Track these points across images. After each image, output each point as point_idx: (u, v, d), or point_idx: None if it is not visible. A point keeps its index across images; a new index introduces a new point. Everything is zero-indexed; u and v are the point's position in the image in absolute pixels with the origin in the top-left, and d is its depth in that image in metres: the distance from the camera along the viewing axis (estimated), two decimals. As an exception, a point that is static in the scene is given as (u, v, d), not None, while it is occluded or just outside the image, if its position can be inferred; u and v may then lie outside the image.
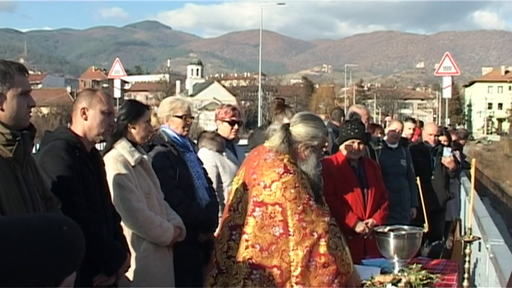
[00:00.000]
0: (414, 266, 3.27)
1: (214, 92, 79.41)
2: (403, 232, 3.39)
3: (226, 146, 4.46)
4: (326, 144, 3.83)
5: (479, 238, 3.94)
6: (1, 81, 2.23)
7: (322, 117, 4.40)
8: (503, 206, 23.52)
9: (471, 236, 3.18)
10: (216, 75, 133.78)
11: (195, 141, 4.47)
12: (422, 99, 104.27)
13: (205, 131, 4.71)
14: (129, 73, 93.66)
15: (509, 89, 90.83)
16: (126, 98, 35.71)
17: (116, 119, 3.28)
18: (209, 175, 4.13)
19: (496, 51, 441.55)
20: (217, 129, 4.59)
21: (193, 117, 4.14)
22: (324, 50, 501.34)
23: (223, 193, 4.25)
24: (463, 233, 5.97)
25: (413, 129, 7.35)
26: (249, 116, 67.73)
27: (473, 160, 3.45)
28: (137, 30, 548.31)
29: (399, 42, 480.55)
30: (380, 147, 6.01)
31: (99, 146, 3.32)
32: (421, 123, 10.33)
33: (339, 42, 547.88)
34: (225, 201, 3.64)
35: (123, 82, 24.39)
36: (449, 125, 29.57)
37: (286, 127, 3.04)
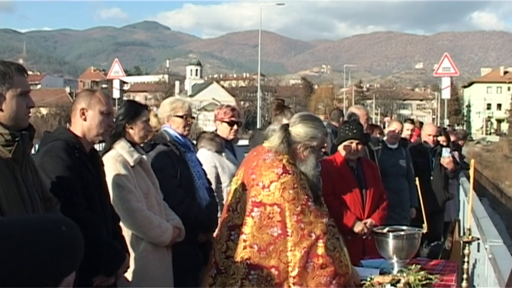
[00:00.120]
0: (413, 266, 3.27)
1: (213, 93, 79.40)
2: (402, 233, 3.40)
3: (225, 146, 4.46)
4: (325, 144, 3.83)
5: (478, 239, 3.95)
6: (0, 82, 2.23)
7: (321, 117, 4.40)
8: (502, 206, 23.56)
9: (470, 237, 3.18)
10: (215, 75, 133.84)
11: (194, 142, 4.48)
12: (421, 100, 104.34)
13: (204, 132, 4.71)
14: (128, 73, 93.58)
15: (508, 89, 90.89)
16: (125, 98, 35.68)
17: (114, 120, 3.28)
18: (208, 176, 4.13)
19: (495, 52, 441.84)
20: (216, 130, 4.59)
21: (193, 117, 4.15)
22: (323, 51, 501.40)
23: (222, 194, 4.26)
24: (462, 234, 5.97)
25: (412, 130, 7.35)
26: (248, 116, 67.71)
27: (472, 161, 3.45)
28: (136, 30, 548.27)
29: (398, 43, 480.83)
30: (379, 147, 6.01)
31: (98, 147, 3.32)
32: (421, 124, 10.33)
33: (338, 42, 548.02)
34: (224, 202, 3.64)
35: (122, 82, 24.35)
36: (449, 125, 29.61)
37: (285, 127, 3.03)
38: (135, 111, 3.50)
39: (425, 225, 3.59)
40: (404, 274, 3.14)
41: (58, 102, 70.04)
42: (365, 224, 4.29)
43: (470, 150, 42.73)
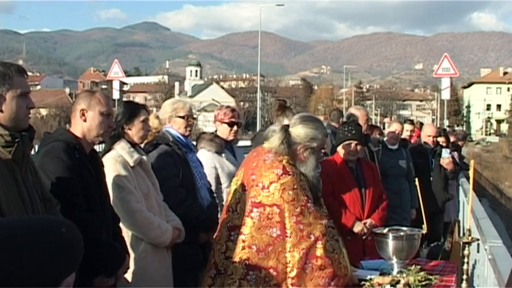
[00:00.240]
0: (413, 267, 3.26)
1: (213, 94, 79.40)
2: (402, 233, 3.39)
3: (225, 147, 4.47)
4: (325, 145, 3.83)
5: (478, 239, 3.94)
6: (0, 83, 2.23)
7: (321, 118, 4.39)
8: (502, 207, 23.56)
9: (470, 237, 3.18)
10: (215, 76, 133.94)
11: (194, 143, 4.48)
12: (421, 101, 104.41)
13: (204, 133, 4.72)
14: (127, 74, 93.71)
15: (508, 90, 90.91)
16: (124, 99, 35.71)
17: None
18: (208, 176, 4.14)
19: (495, 53, 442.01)
20: (216, 131, 4.59)
21: (195, 118, 4.16)
22: (323, 52, 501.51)
23: (222, 194, 4.26)
24: (461, 234, 5.97)
25: (412, 131, 7.35)
26: (247, 117, 67.74)
27: (472, 161, 3.45)
28: (136, 31, 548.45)
29: (398, 44, 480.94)
30: (379, 148, 6.02)
31: (98, 148, 3.32)
32: (421, 125, 10.34)
33: (337, 43, 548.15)
34: (223, 203, 3.64)
35: (122, 83, 24.37)
36: (448, 126, 29.62)
37: (285, 128, 3.04)
38: (132, 111, 3.50)
39: (425, 225, 3.59)
40: (404, 275, 3.14)
41: (58, 103, 70.09)
42: (365, 224, 4.29)
43: (470, 151, 42.74)
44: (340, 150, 4.45)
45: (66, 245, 1.40)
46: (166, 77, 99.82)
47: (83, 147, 2.90)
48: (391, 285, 3.05)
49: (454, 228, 5.93)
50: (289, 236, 2.78)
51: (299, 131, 3.02)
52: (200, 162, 4.10)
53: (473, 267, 4.46)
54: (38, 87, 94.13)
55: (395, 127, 6.35)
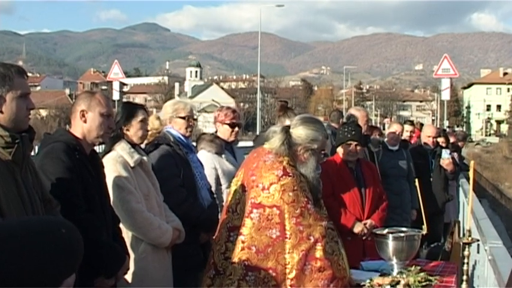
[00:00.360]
0: (413, 268, 3.26)
1: (213, 94, 79.36)
2: (402, 234, 3.39)
3: (225, 148, 4.47)
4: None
5: (478, 240, 3.94)
6: (0, 84, 2.24)
7: (321, 119, 4.39)
8: (502, 208, 23.54)
9: (470, 238, 3.18)
10: (215, 77, 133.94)
11: (194, 144, 4.48)
12: (421, 101, 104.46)
13: (204, 133, 4.72)
14: (127, 75, 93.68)
15: (508, 90, 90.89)
16: (124, 100, 35.72)
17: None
18: (208, 177, 4.14)
19: (495, 53, 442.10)
20: (216, 132, 4.59)
21: (196, 119, 4.16)
22: (323, 52, 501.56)
23: (222, 195, 4.26)
24: (461, 235, 5.96)
25: (412, 132, 7.35)
26: (247, 118, 67.73)
27: (472, 162, 3.45)
28: (136, 32, 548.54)
29: (398, 44, 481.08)
30: (379, 149, 6.01)
31: (98, 149, 3.32)
32: (421, 125, 10.34)
33: (337, 44, 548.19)
34: (223, 203, 3.64)
35: (122, 84, 24.38)
36: (448, 126, 29.59)
37: (286, 129, 3.04)
38: (130, 112, 3.50)
39: (425, 226, 3.59)
40: (404, 275, 3.14)
41: (58, 104, 70.05)
42: (365, 224, 4.29)
43: (470, 152, 42.73)
44: (340, 150, 4.45)
45: (66, 245, 1.40)
46: (166, 78, 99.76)
47: (83, 148, 2.90)
48: (391, 286, 3.05)
49: (454, 229, 5.92)
50: (289, 238, 2.78)
51: (300, 132, 3.02)
52: (201, 163, 4.10)
53: (474, 268, 4.46)
54: (38, 88, 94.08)
55: (395, 128, 6.35)
